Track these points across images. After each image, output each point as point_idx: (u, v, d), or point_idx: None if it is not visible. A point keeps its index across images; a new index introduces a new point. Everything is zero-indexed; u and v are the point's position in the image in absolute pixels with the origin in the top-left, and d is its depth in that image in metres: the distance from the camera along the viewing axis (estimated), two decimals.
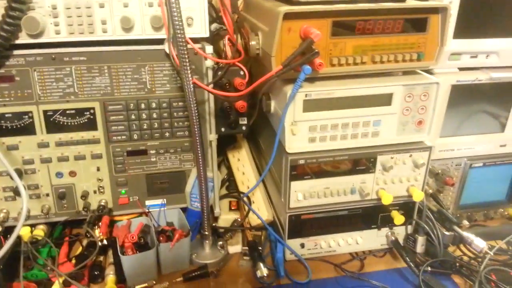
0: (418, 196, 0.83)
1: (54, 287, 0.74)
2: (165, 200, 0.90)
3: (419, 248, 0.87)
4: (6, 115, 0.78)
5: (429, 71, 0.85)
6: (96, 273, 0.79)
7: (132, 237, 0.78)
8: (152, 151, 0.86)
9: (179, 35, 0.70)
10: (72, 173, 0.84)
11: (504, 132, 0.95)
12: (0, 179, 0.81)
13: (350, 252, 0.90)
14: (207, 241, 0.86)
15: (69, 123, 0.81)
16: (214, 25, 0.92)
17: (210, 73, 0.81)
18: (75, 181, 0.85)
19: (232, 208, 0.96)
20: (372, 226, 0.88)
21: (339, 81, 0.78)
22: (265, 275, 0.77)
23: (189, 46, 0.72)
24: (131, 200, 0.89)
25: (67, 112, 0.80)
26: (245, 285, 0.80)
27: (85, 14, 0.73)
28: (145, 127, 0.84)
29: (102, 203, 0.86)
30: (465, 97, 0.89)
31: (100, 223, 0.84)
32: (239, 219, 0.92)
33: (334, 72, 0.77)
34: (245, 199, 0.93)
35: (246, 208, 0.91)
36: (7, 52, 0.73)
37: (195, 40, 0.79)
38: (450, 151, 0.94)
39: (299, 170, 0.79)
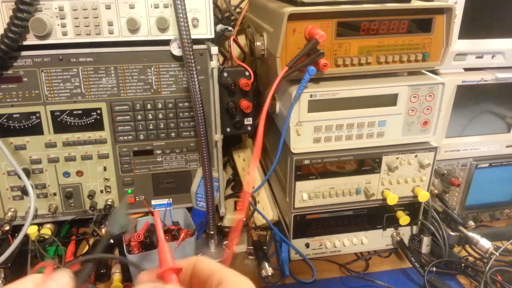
0: (423, 196, 0.83)
1: None
2: (171, 199, 0.91)
3: (424, 248, 0.87)
4: (14, 115, 0.79)
5: (434, 72, 0.85)
6: (102, 271, 0.79)
7: (138, 236, 0.78)
8: (158, 151, 0.87)
9: (185, 36, 0.71)
10: (79, 173, 0.85)
11: (510, 132, 0.94)
12: (8, 179, 0.82)
13: (355, 252, 0.90)
14: (212, 241, 0.87)
15: (76, 124, 0.82)
16: (219, 26, 0.93)
17: (215, 73, 0.81)
18: (82, 181, 0.86)
19: (237, 208, 0.96)
20: (377, 227, 0.88)
21: (344, 81, 0.78)
22: (270, 274, 0.78)
23: (195, 46, 0.73)
24: (137, 199, 0.90)
25: (74, 112, 0.81)
26: None
27: (91, 16, 0.74)
28: (151, 127, 0.84)
29: (109, 203, 0.87)
30: (470, 97, 0.89)
31: (106, 222, 0.84)
32: (244, 219, 0.92)
33: (339, 72, 0.77)
34: (250, 199, 0.93)
35: (251, 208, 0.91)
36: (15, 53, 0.74)
37: (200, 41, 0.80)
38: (456, 152, 0.93)
39: (304, 170, 0.79)
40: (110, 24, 0.75)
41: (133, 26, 0.75)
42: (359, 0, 0.73)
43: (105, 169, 0.86)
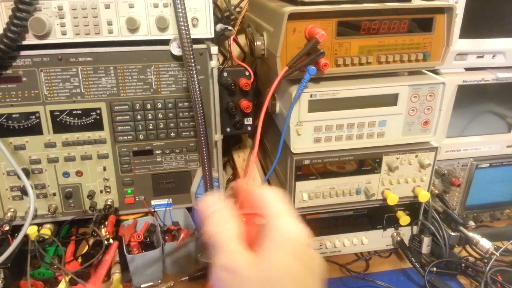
0: (424, 196, 0.82)
1: (61, 285, 0.74)
2: (170, 199, 0.91)
3: (425, 248, 0.86)
4: (14, 115, 0.79)
5: (435, 71, 0.84)
6: (102, 271, 0.79)
7: (138, 237, 0.78)
8: (158, 151, 0.86)
9: (185, 35, 0.71)
10: (79, 173, 0.85)
11: (511, 132, 0.94)
12: (7, 179, 0.82)
13: (356, 252, 0.90)
14: None
15: (76, 123, 0.81)
16: (219, 26, 0.92)
17: (215, 73, 0.81)
18: (81, 181, 0.86)
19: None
20: (378, 227, 0.88)
21: (344, 81, 0.78)
22: None
23: (194, 46, 0.73)
24: (137, 199, 0.89)
25: (74, 112, 0.81)
26: None
27: (91, 15, 0.74)
28: (151, 127, 0.84)
29: (109, 203, 0.87)
30: (471, 97, 0.89)
31: (106, 222, 0.84)
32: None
33: (339, 72, 0.77)
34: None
35: None
36: (14, 53, 0.74)
37: (200, 41, 0.80)
38: (456, 152, 0.93)
39: (304, 170, 0.79)
40: (109, 23, 0.75)
41: (132, 26, 0.75)
42: (359, 0, 0.73)
43: (104, 169, 0.86)
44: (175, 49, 0.78)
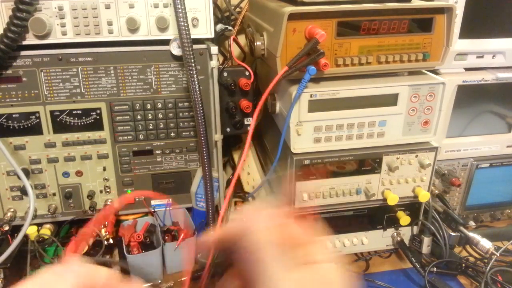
0: (424, 196, 0.82)
1: None
2: (170, 200, 0.91)
3: (425, 248, 0.86)
4: (14, 115, 0.79)
5: (435, 72, 0.84)
6: None
7: (138, 237, 0.78)
8: (158, 151, 0.86)
9: (185, 35, 0.71)
10: (79, 173, 0.85)
11: (511, 132, 0.94)
12: (7, 179, 0.82)
13: (356, 252, 0.90)
14: None
15: (76, 123, 0.81)
16: (219, 26, 0.92)
17: (215, 73, 0.81)
18: (81, 181, 0.86)
19: (237, 208, 0.96)
20: (378, 227, 0.88)
21: (344, 81, 0.78)
22: None
23: (194, 46, 0.73)
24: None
25: (74, 112, 0.81)
26: None
27: (91, 15, 0.74)
28: (151, 127, 0.84)
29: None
30: (471, 97, 0.89)
31: (106, 223, 0.84)
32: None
33: (339, 72, 0.77)
34: (250, 199, 0.93)
35: None
36: (14, 53, 0.74)
37: (200, 41, 0.80)
38: (457, 152, 0.93)
39: (304, 170, 0.79)
40: (109, 23, 0.75)
41: (132, 26, 0.75)
42: (359, 0, 0.73)
43: (104, 169, 0.85)
44: (175, 49, 0.78)
